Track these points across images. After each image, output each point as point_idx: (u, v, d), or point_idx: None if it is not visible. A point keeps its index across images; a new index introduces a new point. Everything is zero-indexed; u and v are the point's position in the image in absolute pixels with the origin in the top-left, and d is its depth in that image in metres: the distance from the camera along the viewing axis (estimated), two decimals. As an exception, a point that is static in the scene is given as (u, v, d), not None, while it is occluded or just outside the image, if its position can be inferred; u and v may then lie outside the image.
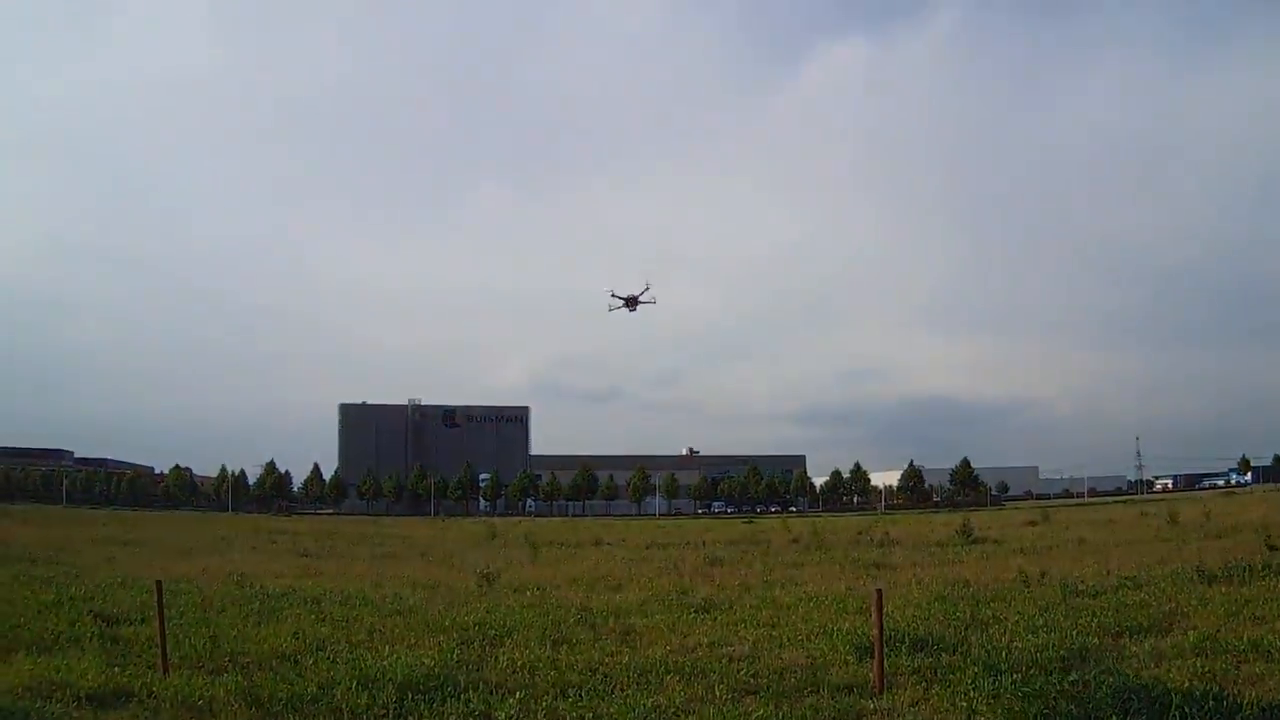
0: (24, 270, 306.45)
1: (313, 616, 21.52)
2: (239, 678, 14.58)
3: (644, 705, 12.76)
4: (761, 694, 13.51)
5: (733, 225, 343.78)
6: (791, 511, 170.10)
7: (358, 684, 13.91)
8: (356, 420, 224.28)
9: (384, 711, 12.81)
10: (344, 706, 12.95)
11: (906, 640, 16.19)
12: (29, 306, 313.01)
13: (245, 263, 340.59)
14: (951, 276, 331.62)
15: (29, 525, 72.35)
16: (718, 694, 13.40)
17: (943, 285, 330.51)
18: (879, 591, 14.48)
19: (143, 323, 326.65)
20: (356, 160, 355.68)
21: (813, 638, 17.63)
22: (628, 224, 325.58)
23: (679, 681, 14.17)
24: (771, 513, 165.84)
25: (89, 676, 14.65)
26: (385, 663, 15.21)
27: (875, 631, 14.00)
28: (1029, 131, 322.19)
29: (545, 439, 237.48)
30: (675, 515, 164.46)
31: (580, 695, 13.53)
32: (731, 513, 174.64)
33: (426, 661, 15.34)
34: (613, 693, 13.72)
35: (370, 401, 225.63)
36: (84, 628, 19.51)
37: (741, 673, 14.65)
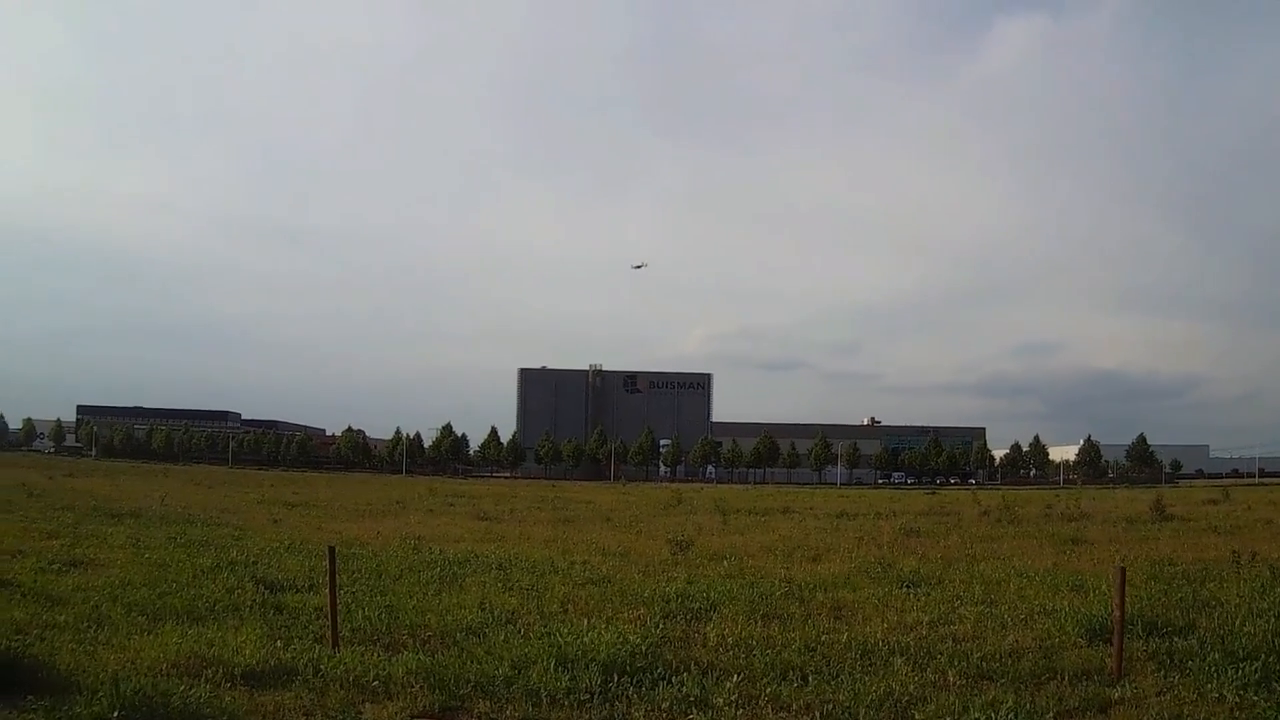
0: (201, 242, 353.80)
1: (499, 585, 21.21)
2: (419, 655, 13.91)
3: (874, 691, 12.14)
4: (997, 679, 13.06)
5: (911, 200, 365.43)
6: (972, 484, 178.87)
7: (556, 663, 13.17)
8: (536, 384, 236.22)
9: (587, 696, 12.05)
10: (541, 690, 12.20)
11: (1138, 623, 15.78)
12: (207, 275, 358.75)
13: (424, 233, 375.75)
14: (1128, 254, 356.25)
15: (191, 484, 75.63)
16: (951, 679, 12.91)
17: (1119, 262, 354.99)
18: (1122, 570, 14.27)
19: (319, 291, 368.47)
20: (534, 133, 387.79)
21: (1035, 617, 17.39)
22: (805, 196, 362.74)
23: (906, 664, 13.68)
24: (951, 484, 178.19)
25: (246, 651, 13.85)
26: (585, 639, 14.42)
27: (1117, 614, 13.85)
28: (1207, 109, 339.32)
29: (724, 407, 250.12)
30: (856, 485, 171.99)
31: (802, 678, 12.99)
32: (911, 483, 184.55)
33: (632, 639, 14.50)
34: (838, 676, 13.09)
35: (550, 366, 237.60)
36: (244, 595, 19.04)
37: (973, 655, 14.14)
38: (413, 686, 12.39)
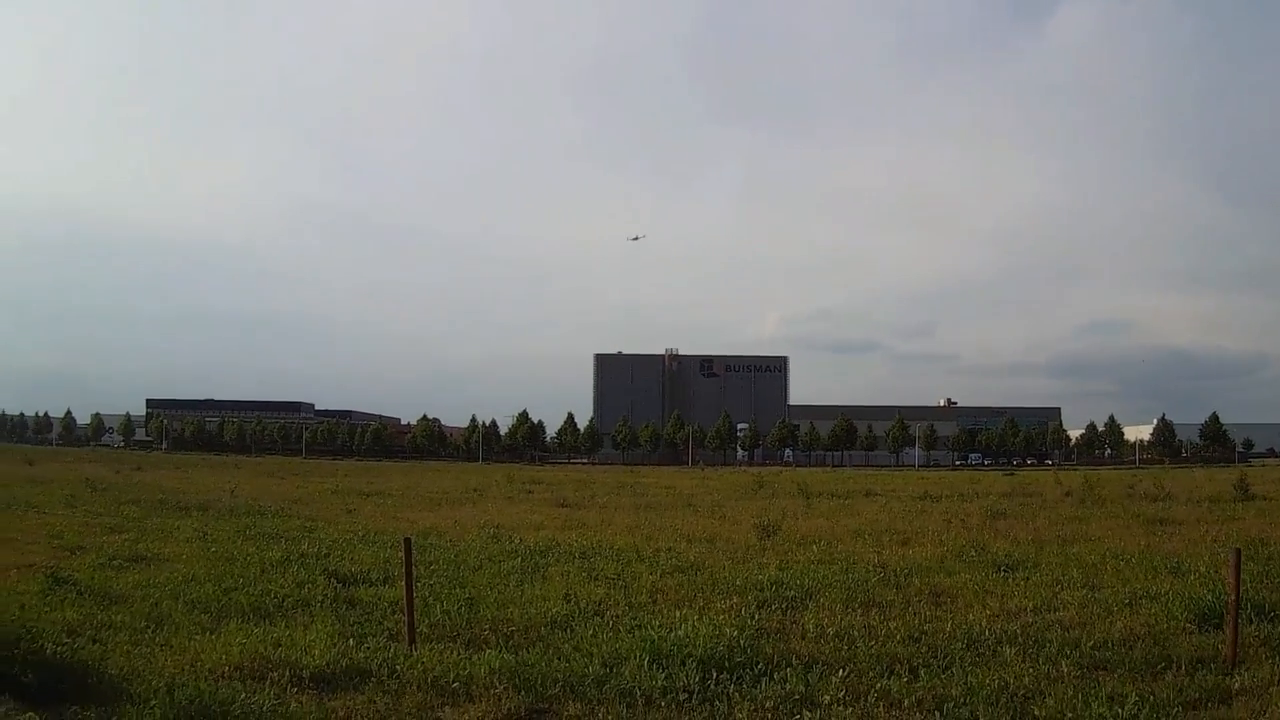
0: (272, 235, 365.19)
1: (583, 575, 20.85)
2: (502, 653, 13.33)
3: (989, 685, 11.79)
4: (1113, 669, 12.80)
5: (980, 180, 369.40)
6: (1048, 464, 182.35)
7: (650, 660, 12.65)
8: (612, 370, 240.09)
9: (685, 696, 11.51)
10: (637, 689, 11.66)
11: (1246, 606, 15.13)
12: (279, 267, 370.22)
13: (497, 222, 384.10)
14: (1196, 231, 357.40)
15: (263, 476, 76.82)
16: (1064, 670, 12.56)
17: (1186, 240, 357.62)
18: (1238, 552, 14.08)
19: (392, 282, 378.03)
20: (602, 122, 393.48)
21: (1139, 602, 17.14)
22: (872, 179, 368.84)
23: (1016, 654, 13.38)
24: (1028, 465, 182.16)
25: (316, 651, 13.23)
26: (680, 633, 13.83)
27: (1231, 598, 13.68)
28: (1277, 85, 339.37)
29: (799, 389, 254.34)
30: (933, 466, 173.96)
31: (911, 671, 12.63)
32: (988, 464, 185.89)
33: (729, 631, 13.99)
34: (948, 669, 12.67)
35: (626, 351, 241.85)
36: (314, 590, 18.54)
37: (1084, 644, 13.87)
38: (496, 688, 11.83)
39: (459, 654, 13.33)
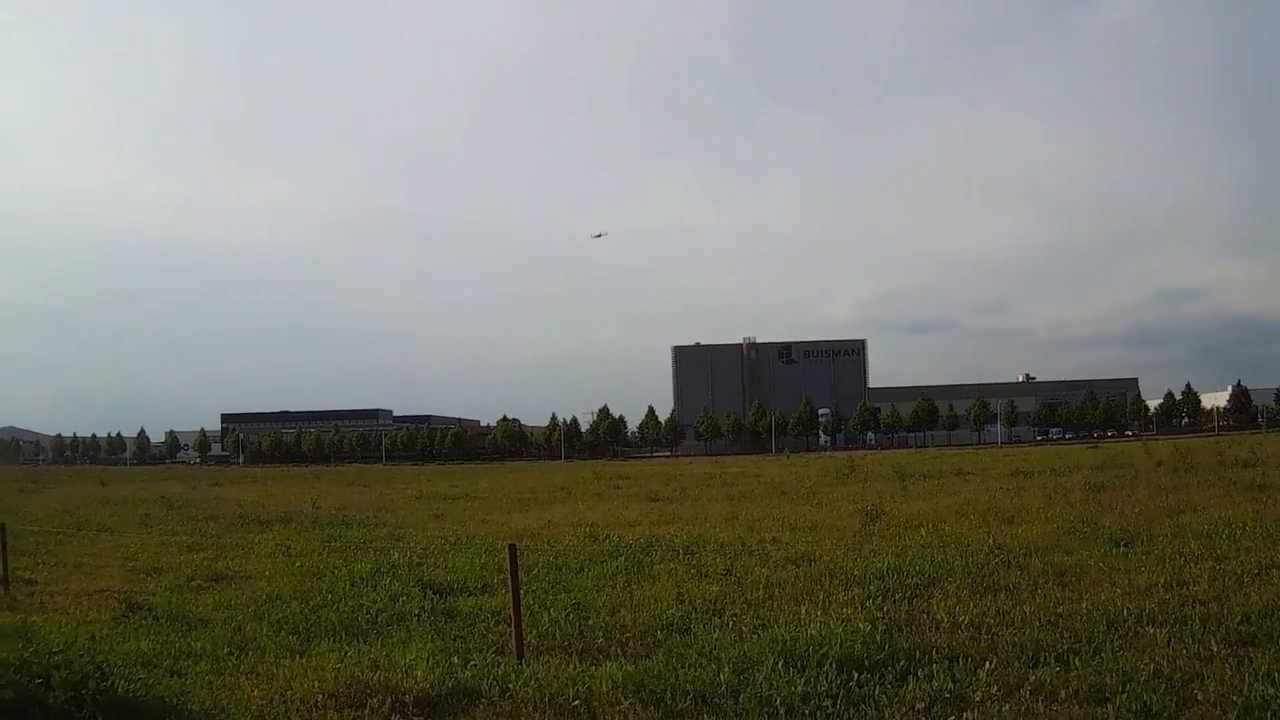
0: (336, 244, 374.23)
1: (691, 572, 20.27)
2: (623, 663, 12.52)
3: (1143, 670, 11.35)
4: (1262, 645, 12.32)
5: (1046, 153, 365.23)
6: (1128, 435, 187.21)
7: (784, 663, 11.92)
8: (691, 361, 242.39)
9: (829, 701, 10.85)
10: (775, 697, 10.93)
11: None
12: (344, 275, 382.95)
13: (566, 219, 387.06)
14: (1260, 196, 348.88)
15: (344, 485, 76.78)
16: (1215, 648, 12.10)
17: (1251, 205, 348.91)
18: None
19: (465, 284, 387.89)
20: (667, 112, 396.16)
21: (1267, 572, 16.85)
22: (937, 158, 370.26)
23: (1160, 633, 12.96)
24: (1109, 437, 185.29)
25: (417, 672, 12.41)
26: (811, 631, 13.12)
27: None
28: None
29: (878, 372, 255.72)
30: (1015, 443, 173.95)
31: (1060, 659, 12.12)
32: (1070, 438, 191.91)
33: (862, 627, 13.34)
34: (1097, 654, 12.16)
35: (703, 342, 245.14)
36: (409, 603, 17.81)
37: (1227, 618, 13.45)
38: (621, 703, 11.15)
39: (575, 667, 12.62)
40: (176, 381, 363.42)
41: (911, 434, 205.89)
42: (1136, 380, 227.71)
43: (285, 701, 11.47)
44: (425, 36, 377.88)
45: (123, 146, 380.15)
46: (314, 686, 11.93)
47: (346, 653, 13.86)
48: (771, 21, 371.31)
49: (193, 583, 21.49)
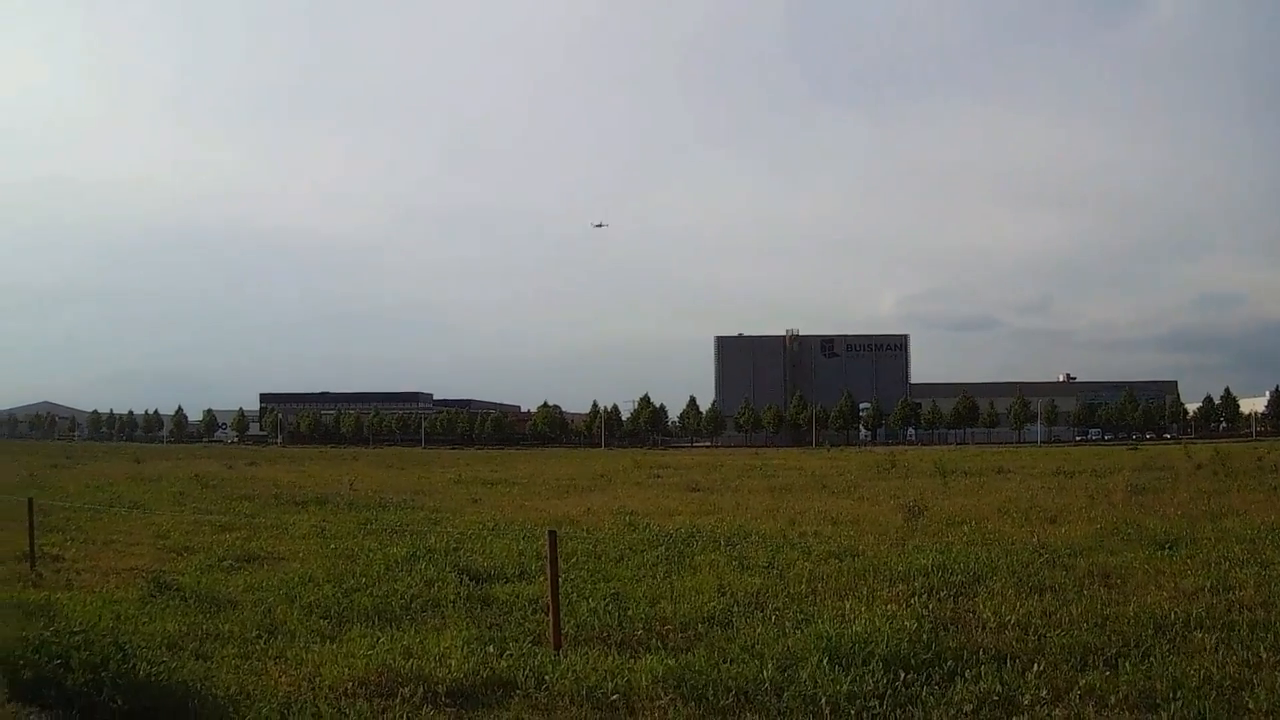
0: (383, 228, 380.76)
1: (732, 564, 20.17)
2: (663, 656, 12.40)
3: (1193, 676, 11.22)
4: None
5: (1089, 154, 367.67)
6: (1166, 438, 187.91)
7: (829, 659, 11.78)
8: (733, 352, 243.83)
9: (875, 701, 10.69)
10: (820, 696, 10.75)
11: None
12: (389, 261, 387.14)
13: (613, 208, 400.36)
14: None
15: (382, 467, 77.08)
16: (1263, 655, 11.98)
17: None
18: None
19: (508, 272, 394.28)
20: (712, 106, 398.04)
21: None
22: (981, 156, 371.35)
23: (1209, 638, 12.79)
24: (1147, 439, 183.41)
25: (451, 660, 12.22)
26: (856, 627, 13.11)
27: None
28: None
29: (919, 368, 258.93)
30: (1055, 442, 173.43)
31: (1109, 663, 12.02)
32: (1109, 439, 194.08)
33: (908, 624, 13.24)
34: (1146, 658, 12.04)
35: (746, 333, 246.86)
36: (445, 588, 17.60)
37: (1277, 624, 13.40)
38: (661, 698, 10.92)
39: (613, 659, 12.44)
40: (218, 361, 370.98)
41: (951, 431, 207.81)
42: (1175, 383, 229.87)
43: (314, 688, 11.26)
44: (472, 28, 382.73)
45: (176, 133, 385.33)
46: (344, 673, 11.75)
47: (379, 639, 13.72)
48: (817, 16, 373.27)
49: (224, 563, 21.35)
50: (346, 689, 11.22)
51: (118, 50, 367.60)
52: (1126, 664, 11.75)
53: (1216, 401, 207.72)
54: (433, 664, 12.11)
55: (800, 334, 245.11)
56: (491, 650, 12.84)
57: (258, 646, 13.60)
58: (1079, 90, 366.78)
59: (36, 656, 10.00)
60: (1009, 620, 14.14)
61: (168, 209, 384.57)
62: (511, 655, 12.64)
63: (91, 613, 15.31)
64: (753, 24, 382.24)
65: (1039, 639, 13.09)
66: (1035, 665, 11.76)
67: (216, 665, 12.50)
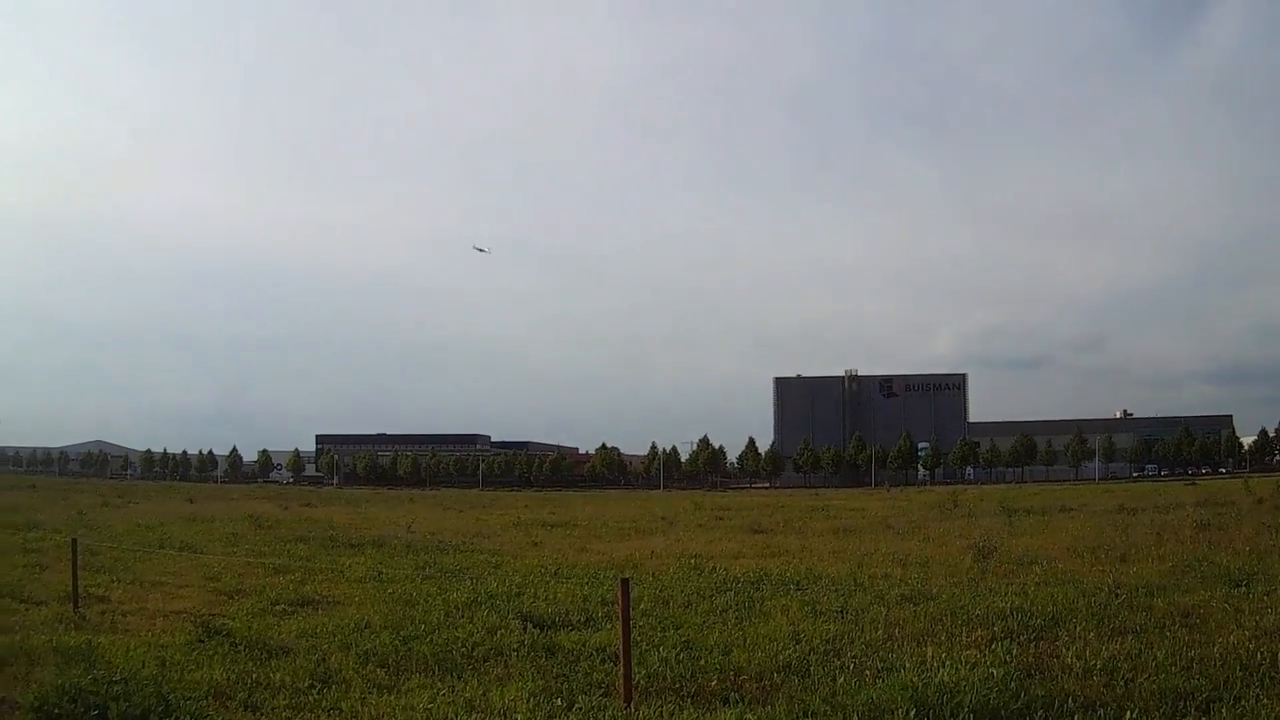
0: (440, 268, 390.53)
1: (804, 609, 19.70)
2: (741, 710, 12.06)
3: None
4: None
5: (1143, 189, 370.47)
6: (1222, 473, 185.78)
7: (915, 710, 11.54)
8: (792, 393, 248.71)
9: None
10: None
11: None
12: (444, 300, 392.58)
13: (669, 249, 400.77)
14: None
15: (440, 509, 77.87)
16: None
17: None
18: None
19: (561, 313, 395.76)
20: (762, 143, 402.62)
21: None
22: (1036, 193, 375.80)
23: None
24: (1203, 474, 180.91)
25: (519, 715, 11.89)
26: (941, 676, 12.69)
27: None
28: None
29: (977, 406, 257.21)
30: (1112, 479, 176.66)
31: (1201, 709, 11.81)
32: (1166, 475, 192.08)
33: (994, 672, 12.90)
34: (1236, 702, 11.81)
35: (804, 374, 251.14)
36: (508, 636, 17.18)
37: None
38: None
39: (688, 712, 12.13)
40: (274, 400, 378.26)
41: (1009, 469, 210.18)
42: (1231, 418, 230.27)
43: (371, 746, 10.73)
44: (544, 65, 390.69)
45: (235, 171, 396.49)
46: (405, 727, 11.22)
47: (439, 690, 13.41)
48: (880, 53, 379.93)
49: (276, 607, 21.16)
50: (405, 743, 10.69)
51: (181, 94, 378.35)
52: (1222, 709, 11.52)
53: (1271, 434, 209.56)
54: (497, 718, 11.77)
55: (859, 374, 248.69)
56: (559, 704, 12.49)
57: (310, 697, 13.26)
58: (1137, 129, 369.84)
59: (73, 706, 9.60)
60: (1094, 665, 13.88)
61: (228, 247, 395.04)
62: (580, 709, 12.28)
63: (134, 659, 15.05)
64: (825, 59, 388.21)
65: (1125, 684, 12.84)
66: (1127, 713, 11.49)
67: (266, 717, 12.21)
